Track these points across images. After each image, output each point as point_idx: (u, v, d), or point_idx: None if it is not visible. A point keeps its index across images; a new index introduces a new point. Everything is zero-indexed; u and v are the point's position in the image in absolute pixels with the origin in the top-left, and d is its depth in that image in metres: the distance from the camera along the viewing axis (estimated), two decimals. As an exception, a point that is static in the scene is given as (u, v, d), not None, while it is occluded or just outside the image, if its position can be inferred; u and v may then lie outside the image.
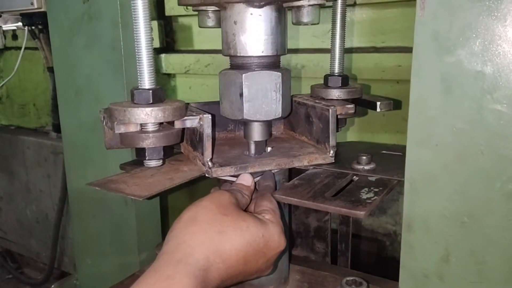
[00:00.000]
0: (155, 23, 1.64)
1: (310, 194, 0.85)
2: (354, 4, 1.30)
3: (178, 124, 0.85)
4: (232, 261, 0.76)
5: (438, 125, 0.72)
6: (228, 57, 0.94)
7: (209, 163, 0.88)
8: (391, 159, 1.03)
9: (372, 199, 0.82)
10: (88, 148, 1.46)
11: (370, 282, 1.00)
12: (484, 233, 0.72)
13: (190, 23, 1.67)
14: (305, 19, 0.93)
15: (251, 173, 0.92)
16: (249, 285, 0.99)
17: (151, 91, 0.83)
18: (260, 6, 0.87)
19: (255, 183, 0.92)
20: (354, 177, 0.94)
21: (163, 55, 1.69)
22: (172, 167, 0.93)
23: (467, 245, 0.74)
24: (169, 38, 1.72)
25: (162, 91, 0.85)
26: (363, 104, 1.07)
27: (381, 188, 0.87)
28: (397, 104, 1.19)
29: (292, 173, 1.00)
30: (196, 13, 1.03)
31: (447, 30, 0.69)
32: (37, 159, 2.30)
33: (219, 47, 0.94)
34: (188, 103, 0.98)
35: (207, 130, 0.86)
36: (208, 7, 0.98)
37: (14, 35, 2.32)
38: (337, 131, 0.98)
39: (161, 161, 0.89)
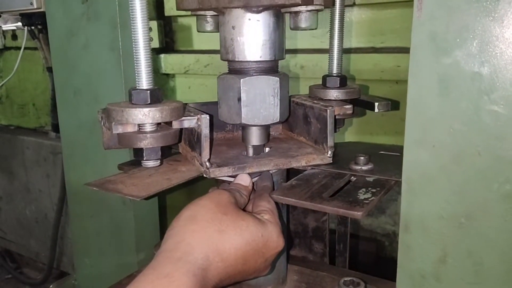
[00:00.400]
0: (154, 23, 1.64)
1: (307, 195, 0.85)
2: (353, 5, 1.30)
3: (175, 125, 0.85)
4: (231, 260, 0.76)
5: (436, 126, 0.72)
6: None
7: (207, 164, 0.88)
8: (389, 159, 1.03)
9: (370, 199, 0.82)
10: (87, 148, 1.46)
11: (368, 282, 1.00)
12: (481, 234, 0.72)
13: (190, 23, 1.67)
14: (303, 24, 0.93)
15: (249, 174, 0.92)
16: (247, 285, 0.99)
17: (149, 91, 0.83)
18: (258, 12, 0.88)
19: (253, 183, 0.92)
20: (352, 177, 0.94)
21: (162, 55, 1.69)
22: (170, 168, 0.93)
23: (464, 246, 0.74)
24: (169, 38, 1.72)
25: (160, 91, 0.85)
26: (361, 104, 1.07)
27: (378, 189, 0.87)
28: (396, 105, 1.20)
29: (290, 173, 1.00)
30: (196, 14, 1.03)
31: (444, 31, 0.69)
32: (36, 159, 2.30)
33: (219, 47, 0.95)
34: (186, 103, 0.98)
35: (205, 130, 0.86)
36: (207, 11, 0.99)
37: (14, 35, 2.32)
38: (335, 131, 0.99)
39: (158, 161, 0.89)
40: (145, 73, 0.83)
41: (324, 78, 1.07)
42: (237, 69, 0.92)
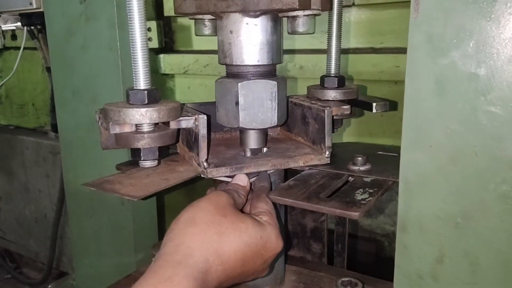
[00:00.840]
0: (154, 23, 1.64)
1: (305, 195, 0.85)
2: (352, 5, 1.30)
3: (173, 125, 0.85)
4: (230, 263, 0.76)
5: (432, 126, 0.72)
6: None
7: (205, 164, 0.88)
8: (387, 160, 1.04)
9: (367, 200, 0.82)
10: (85, 148, 1.46)
11: (366, 282, 1.00)
12: (478, 234, 0.72)
13: (189, 23, 1.66)
14: (300, 28, 0.93)
15: (247, 174, 0.92)
16: (245, 286, 0.99)
17: (146, 91, 0.83)
18: (256, 16, 0.88)
19: (250, 183, 0.92)
20: (350, 178, 0.94)
21: (161, 55, 1.70)
22: (167, 168, 0.93)
23: (461, 246, 0.74)
24: (168, 38, 1.72)
25: (158, 91, 0.85)
26: (359, 105, 1.07)
27: (376, 189, 0.87)
28: (395, 105, 1.20)
29: (288, 173, 1.00)
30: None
31: (441, 32, 0.69)
32: (36, 159, 2.30)
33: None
34: (184, 104, 0.98)
35: (203, 130, 0.86)
36: (205, 16, 0.99)
37: (13, 35, 2.32)
38: (333, 132, 0.99)
39: (156, 161, 0.89)
40: (142, 73, 0.83)
41: (322, 78, 1.07)
42: (235, 73, 0.93)
